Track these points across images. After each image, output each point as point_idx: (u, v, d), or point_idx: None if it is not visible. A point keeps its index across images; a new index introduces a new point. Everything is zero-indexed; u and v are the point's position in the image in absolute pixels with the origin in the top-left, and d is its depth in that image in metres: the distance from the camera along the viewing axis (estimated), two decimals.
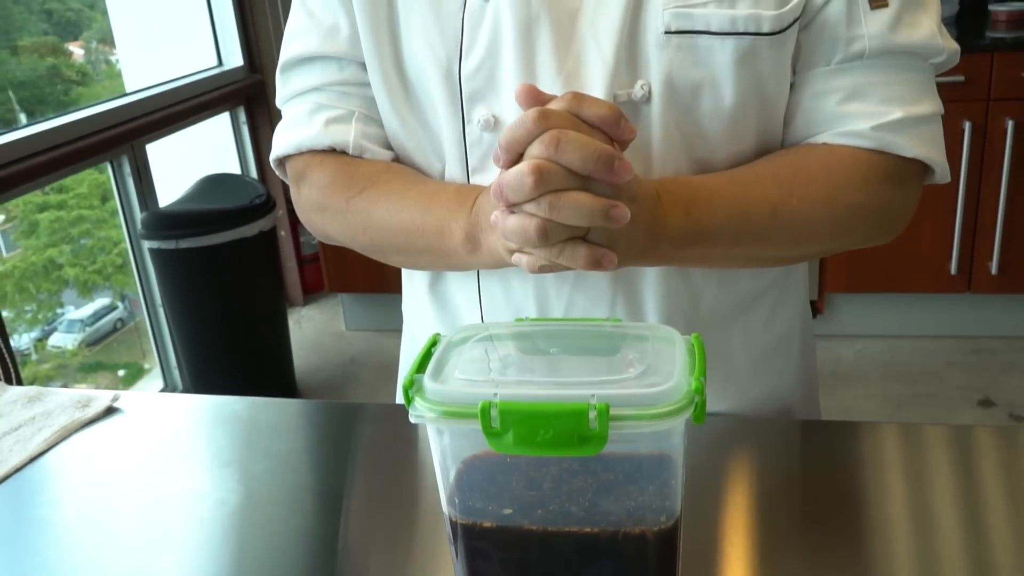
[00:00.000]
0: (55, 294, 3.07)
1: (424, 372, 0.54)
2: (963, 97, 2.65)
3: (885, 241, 0.86)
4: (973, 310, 2.99)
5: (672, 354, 0.54)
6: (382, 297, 3.28)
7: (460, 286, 0.92)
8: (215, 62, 3.36)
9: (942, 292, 2.94)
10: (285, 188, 3.50)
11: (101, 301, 3.16)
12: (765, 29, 0.76)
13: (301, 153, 0.90)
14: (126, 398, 0.94)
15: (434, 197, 0.82)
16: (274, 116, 3.48)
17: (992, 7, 2.97)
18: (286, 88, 0.92)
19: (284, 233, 3.49)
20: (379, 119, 0.89)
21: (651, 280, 0.85)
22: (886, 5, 0.77)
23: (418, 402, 0.52)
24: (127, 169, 2.77)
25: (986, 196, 2.77)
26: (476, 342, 0.59)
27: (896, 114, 0.79)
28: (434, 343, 0.58)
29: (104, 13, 3.17)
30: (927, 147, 0.81)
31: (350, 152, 0.88)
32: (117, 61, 3.30)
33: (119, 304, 3.23)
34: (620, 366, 0.56)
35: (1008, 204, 2.76)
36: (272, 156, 0.93)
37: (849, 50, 0.78)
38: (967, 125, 2.67)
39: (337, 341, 3.36)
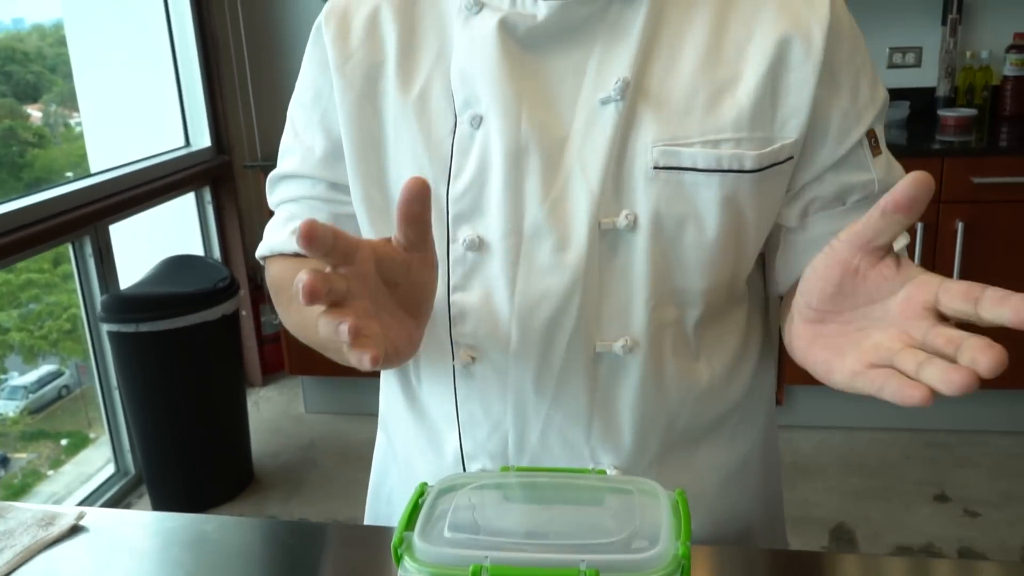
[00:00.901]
0: None
1: (413, 528, 0.54)
2: None
3: None
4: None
5: (657, 512, 0.55)
6: (343, 380, 3.25)
7: (437, 401, 0.92)
8: (183, 142, 3.37)
9: None
10: (247, 268, 3.51)
11: (46, 367, 3.10)
12: (747, 167, 0.81)
13: (274, 255, 0.98)
14: (92, 515, 0.92)
15: None
16: (240, 198, 3.49)
17: (941, 112, 3.09)
18: (272, 196, 1.00)
19: (245, 313, 3.46)
20: (346, 232, 0.92)
21: (628, 399, 0.86)
22: (881, 152, 0.88)
23: (407, 562, 0.52)
24: (89, 250, 2.75)
25: None
26: (464, 492, 0.59)
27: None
28: (421, 494, 0.58)
29: (66, 77, 3.18)
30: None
31: None
32: (77, 124, 3.29)
33: (64, 371, 3.16)
34: (606, 522, 0.56)
35: None
36: (256, 255, 1.01)
37: (865, 191, 0.87)
38: (919, 226, 2.76)
39: (296, 424, 3.32)
